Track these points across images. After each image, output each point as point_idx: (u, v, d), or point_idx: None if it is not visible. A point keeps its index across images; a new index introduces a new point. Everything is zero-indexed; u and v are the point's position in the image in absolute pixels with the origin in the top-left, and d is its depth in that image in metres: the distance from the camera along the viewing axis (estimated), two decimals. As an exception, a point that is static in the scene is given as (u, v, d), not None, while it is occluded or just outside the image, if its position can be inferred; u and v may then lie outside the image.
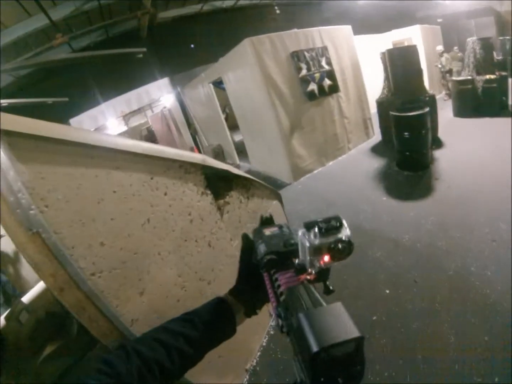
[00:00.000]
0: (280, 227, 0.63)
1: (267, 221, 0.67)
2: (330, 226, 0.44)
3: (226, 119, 7.10)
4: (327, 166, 5.15)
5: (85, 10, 5.92)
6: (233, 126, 6.80)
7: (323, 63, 4.83)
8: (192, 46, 8.88)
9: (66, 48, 6.62)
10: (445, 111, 5.95)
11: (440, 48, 7.57)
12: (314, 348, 0.33)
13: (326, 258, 0.44)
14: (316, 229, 0.44)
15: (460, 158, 4.03)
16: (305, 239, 0.45)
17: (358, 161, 4.97)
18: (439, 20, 10.79)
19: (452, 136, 4.85)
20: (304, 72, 4.68)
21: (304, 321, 0.36)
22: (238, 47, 4.60)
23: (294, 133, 4.74)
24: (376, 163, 4.61)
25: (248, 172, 6.27)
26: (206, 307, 0.65)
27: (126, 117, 11.18)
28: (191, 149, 9.54)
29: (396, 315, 2.08)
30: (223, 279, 1.74)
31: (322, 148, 5.08)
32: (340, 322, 0.36)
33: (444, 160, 4.12)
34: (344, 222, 0.45)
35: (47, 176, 0.95)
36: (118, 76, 8.14)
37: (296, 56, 4.59)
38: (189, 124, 9.16)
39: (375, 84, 5.35)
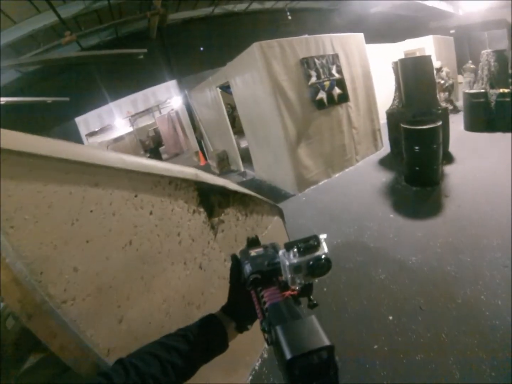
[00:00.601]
0: (265, 247, 0.66)
1: (253, 242, 0.70)
2: (309, 245, 0.48)
3: (233, 123, 7.00)
4: (333, 178, 5.01)
5: (95, 8, 5.90)
6: (239, 132, 6.70)
7: (334, 71, 4.71)
8: (201, 49, 8.83)
9: (75, 46, 6.62)
10: (455, 124, 5.77)
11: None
12: (288, 356, 0.37)
13: (306, 275, 0.48)
14: (295, 249, 0.48)
15: (471, 175, 3.86)
16: (285, 259, 0.49)
17: (366, 174, 4.83)
18: (452, 31, 10.64)
19: (463, 151, 4.68)
20: (313, 79, 4.57)
21: (280, 333, 0.40)
22: (247, 51, 4.52)
23: (300, 142, 4.63)
24: (384, 177, 4.46)
25: (252, 180, 6.23)
26: (198, 323, 0.68)
27: (133, 118, 11.21)
28: (196, 153, 9.49)
29: (398, 345, 1.94)
30: (215, 302, 1.60)
31: (328, 159, 4.95)
32: (313, 333, 0.40)
33: (454, 176, 3.96)
34: (322, 240, 0.49)
35: (14, 194, 0.84)
36: (125, 76, 8.14)
37: (306, 63, 4.48)
38: (195, 128, 9.10)
39: (385, 94, 5.22)
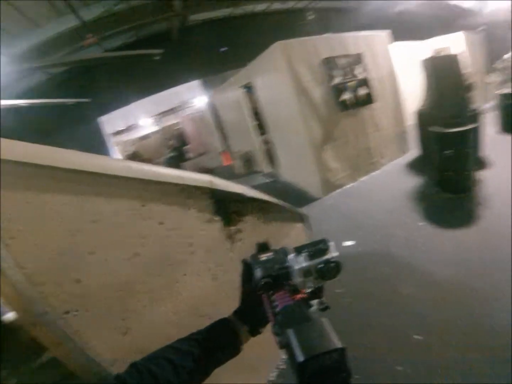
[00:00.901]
0: (275, 252, 0.66)
1: (263, 247, 0.71)
2: (318, 249, 0.50)
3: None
4: (359, 181, 4.82)
5: (115, 11, 5.99)
6: (263, 133, 6.63)
7: (358, 71, 4.52)
8: (223, 49, 8.83)
9: (97, 49, 6.80)
10: (488, 126, 5.38)
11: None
12: (300, 358, 0.37)
13: (316, 278, 0.51)
14: (305, 253, 0.50)
15: (507, 182, 3.54)
16: (295, 263, 0.51)
17: (393, 178, 4.60)
18: (481, 28, 10.01)
19: (498, 155, 4.31)
20: (337, 80, 4.41)
21: (292, 336, 0.41)
22: (268, 51, 4.43)
23: (325, 144, 4.49)
24: (412, 182, 4.21)
25: (276, 182, 6.16)
26: (210, 327, 0.69)
27: (158, 117, 11.44)
28: (221, 153, 9.53)
29: (425, 368, 1.77)
30: (229, 313, 1.54)
31: (354, 162, 4.76)
32: (324, 336, 0.40)
33: (489, 182, 3.66)
34: (330, 244, 0.51)
35: (12, 205, 0.82)
36: (148, 76, 8.27)
37: (329, 63, 4.33)
38: (219, 128, 9.14)
39: (413, 94, 4.94)
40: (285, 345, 0.43)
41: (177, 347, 0.63)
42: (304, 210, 4.32)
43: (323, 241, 0.51)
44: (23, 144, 0.84)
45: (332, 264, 0.49)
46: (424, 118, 4.25)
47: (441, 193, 3.66)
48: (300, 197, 4.94)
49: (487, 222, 2.93)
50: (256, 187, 5.94)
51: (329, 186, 4.61)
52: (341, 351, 0.38)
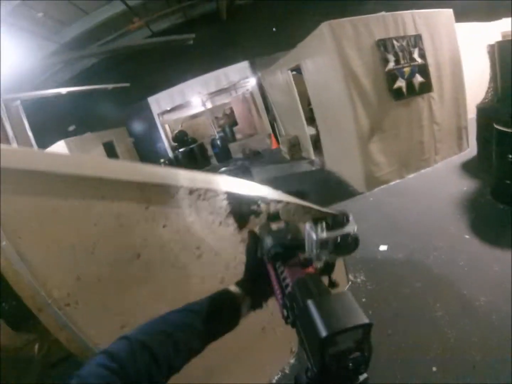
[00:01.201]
0: (287, 222, 0.64)
1: (274, 217, 0.68)
2: (337, 221, 0.47)
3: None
4: (407, 179, 4.45)
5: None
6: (311, 118, 6.44)
7: (415, 55, 4.03)
8: (274, 29, 8.50)
9: (145, 31, 6.96)
10: None
11: None
12: (323, 333, 0.34)
13: (332, 252, 0.47)
14: (324, 223, 0.47)
15: None
16: (312, 232, 0.47)
17: (444, 179, 4.15)
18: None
19: None
20: (391, 65, 3.99)
21: (313, 308, 0.37)
22: (316, 32, 4.14)
23: (373, 136, 4.17)
24: (466, 185, 3.77)
25: (321, 171, 6.00)
26: (212, 298, 0.63)
27: (205, 97, 11.65)
28: (269, 136, 9.53)
29: None
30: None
31: (403, 157, 4.39)
32: (349, 309, 0.37)
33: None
34: (351, 218, 0.48)
35: (20, 208, 0.90)
36: (196, 57, 8.34)
37: (383, 45, 3.92)
38: (268, 110, 9.08)
39: (477, 84, 4.31)
40: (299, 319, 0.41)
41: (177, 320, 0.57)
42: (343, 205, 4.21)
43: (343, 213, 0.47)
44: (39, 152, 0.91)
45: (351, 239, 0.46)
46: (487, 113, 3.69)
47: (495, 204, 3.23)
48: (342, 190, 4.75)
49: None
50: (300, 174, 5.83)
51: (373, 181, 4.34)
52: (368, 326, 0.35)
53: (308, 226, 0.48)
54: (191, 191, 1.25)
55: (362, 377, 0.37)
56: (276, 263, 0.55)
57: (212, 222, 1.33)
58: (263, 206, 1.51)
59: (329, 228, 0.46)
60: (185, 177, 1.22)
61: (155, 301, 1.19)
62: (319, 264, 0.50)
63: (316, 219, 0.47)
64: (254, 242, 0.65)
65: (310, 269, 0.51)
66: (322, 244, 0.46)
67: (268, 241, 0.57)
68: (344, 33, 3.80)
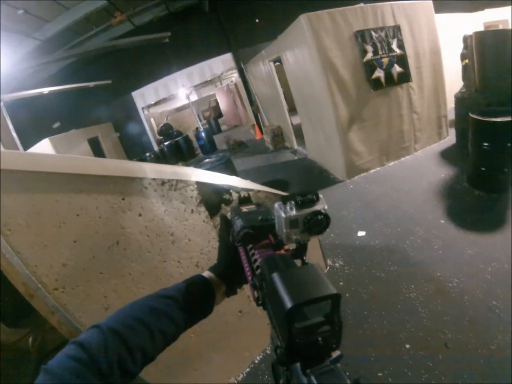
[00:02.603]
0: (258, 205, 0.65)
1: (245, 200, 0.69)
2: (307, 199, 0.46)
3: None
4: (386, 166, 4.66)
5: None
6: (293, 109, 6.62)
7: (394, 45, 4.20)
8: (256, 20, 8.59)
9: (127, 25, 6.99)
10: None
11: None
12: (288, 304, 0.33)
13: (303, 231, 0.46)
14: (293, 202, 0.45)
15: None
16: (281, 211, 0.46)
17: (423, 167, 4.36)
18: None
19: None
20: (369, 55, 4.16)
21: (278, 280, 0.37)
22: (294, 24, 4.28)
23: (353, 125, 4.35)
24: (444, 173, 3.97)
25: (304, 160, 6.19)
26: (186, 284, 0.62)
27: (192, 90, 11.70)
28: (253, 126, 9.69)
29: (407, 380, 1.77)
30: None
31: (383, 146, 4.60)
32: (316, 281, 0.37)
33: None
34: (321, 196, 0.47)
35: (8, 204, 1.04)
36: (180, 50, 8.38)
37: (361, 36, 4.08)
38: (252, 101, 9.22)
39: (456, 74, 4.49)
40: (267, 296, 0.40)
41: (148, 305, 0.55)
42: (324, 192, 4.39)
43: (313, 192, 0.46)
44: (23, 153, 1.06)
45: (321, 217, 0.45)
46: (465, 102, 3.89)
47: (471, 190, 3.42)
48: (323, 178, 4.96)
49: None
50: (283, 163, 5.98)
51: (353, 170, 4.54)
52: (336, 297, 0.35)
53: (277, 205, 0.48)
54: (163, 182, 1.42)
55: (335, 354, 0.36)
56: (246, 246, 0.56)
57: (184, 211, 1.50)
58: (234, 195, 1.69)
59: (298, 206, 0.45)
60: (156, 170, 1.39)
61: (135, 284, 1.37)
62: (290, 246, 0.50)
63: (285, 198, 0.46)
64: (225, 226, 0.64)
65: (282, 252, 0.51)
66: (292, 222, 0.45)
67: (238, 223, 0.57)
68: (322, 25, 3.93)
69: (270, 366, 1.79)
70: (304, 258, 0.50)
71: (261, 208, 0.63)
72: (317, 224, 0.45)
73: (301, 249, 0.50)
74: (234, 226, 0.59)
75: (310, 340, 0.34)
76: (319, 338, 0.35)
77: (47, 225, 1.11)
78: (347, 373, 0.35)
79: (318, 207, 0.45)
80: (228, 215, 0.66)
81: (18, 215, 1.06)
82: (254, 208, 0.63)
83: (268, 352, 2.16)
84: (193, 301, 0.59)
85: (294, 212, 0.45)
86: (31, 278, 1.10)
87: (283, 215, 0.45)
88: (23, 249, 1.08)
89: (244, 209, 0.62)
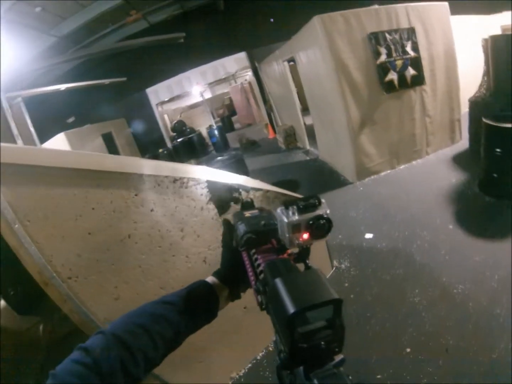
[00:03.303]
0: (261, 209, 0.66)
1: (247, 205, 0.69)
2: (309, 204, 0.46)
3: None
4: (397, 169, 4.64)
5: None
6: (306, 109, 6.66)
7: (408, 48, 4.16)
8: (271, 20, 8.60)
9: (142, 23, 7.11)
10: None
11: None
12: (291, 309, 0.33)
13: (305, 236, 0.46)
14: (295, 206, 0.46)
15: None
16: (283, 216, 0.47)
17: (434, 171, 4.32)
18: None
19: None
20: (383, 58, 4.13)
21: (280, 285, 0.37)
22: (307, 26, 4.30)
23: (364, 127, 4.35)
24: (455, 177, 3.93)
25: (315, 160, 6.21)
26: (189, 289, 0.64)
27: (206, 87, 11.82)
28: (266, 126, 9.74)
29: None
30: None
31: (395, 149, 4.57)
32: (318, 286, 0.37)
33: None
34: (323, 201, 0.47)
35: (28, 197, 1.12)
36: (194, 48, 8.47)
37: (375, 38, 4.06)
38: (265, 100, 9.26)
39: (472, 78, 4.42)
40: (270, 301, 0.41)
41: (151, 312, 0.57)
42: (334, 194, 4.41)
43: (315, 196, 0.47)
44: (44, 149, 1.12)
45: (323, 221, 0.45)
46: (479, 106, 3.83)
47: (482, 196, 3.38)
48: (333, 180, 4.96)
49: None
50: (294, 164, 6.01)
51: (364, 172, 4.54)
52: (338, 302, 0.35)
53: (279, 210, 0.48)
54: (175, 180, 1.47)
55: (338, 357, 0.37)
56: (249, 250, 0.56)
57: (194, 207, 1.56)
58: (243, 194, 1.74)
59: (300, 210, 0.46)
60: (169, 167, 1.45)
61: (144, 276, 1.43)
62: (293, 251, 0.50)
63: (287, 203, 0.47)
64: (228, 231, 0.65)
65: (285, 256, 0.52)
66: (294, 227, 0.45)
67: (241, 228, 0.57)
68: (336, 26, 3.94)
69: (271, 363, 1.84)
70: (307, 262, 0.51)
71: (264, 213, 0.63)
72: (319, 228, 0.46)
73: (303, 253, 0.51)
74: (237, 231, 0.59)
75: (313, 344, 0.35)
76: (322, 343, 0.35)
77: (64, 217, 1.18)
78: (350, 377, 0.35)
79: (320, 211, 0.46)
80: (231, 220, 0.67)
81: (38, 207, 1.13)
82: (256, 213, 0.64)
83: (271, 349, 2.19)
84: (194, 305, 0.61)
85: (296, 217, 0.45)
86: (47, 267, 1.17)
87: (285, 220, 0.46)
88: (41, 239, 1.15)
89: (247, 214, 0.63)
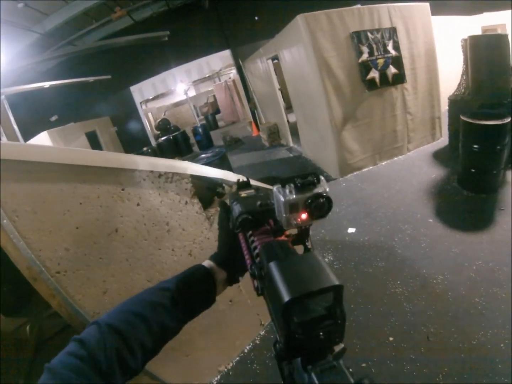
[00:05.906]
0: (257, 189, 0.63)
1: (244, 185, 0.67)
2: (307, 182, 0.43)
3: None
4: (379, 166, 4.81)
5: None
6: (290, 107, 6.79)
7: (390, 47, 4.32)
8: (256, 18, 8.68)
9: (127, 20, 7.08)
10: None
11: None
12: (286, 297, 0.31)
13: (304, 215, 0.43)
14: (292, 185, 0.43)
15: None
16: (280, 195, 0.43)
17: (415, 167, 4.49)
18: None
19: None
20: (365, 56, 4.28)
21: (275, 270, 0.35)
22: (291, 24, 4.40)
23: (347, 124, 4.49)
24: (435, 173, 4.11)
25: (298, 157, 6.32)
26: (185, 274, 0.62)
27: (190, 85, 11.81)
28: (250, 123, 9.83)
29: (389, 371, 1.86)
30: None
31: (377, 145, 4.74)
32: (316, 271, 0.34)
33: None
34: (322, 178, 0.44)
35: (16, 192, 1.15)
36: (179, 46, 8.48)
37: (357, 37, 4.20)
38: (249, 98, 9.33)
39: (453, 77, 4.62)
40: (265, 287, 0.39)
41: (146, 299, 0.56)
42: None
43: (313, 174, 0.44)
44: (31, 145, 1.16)
45: (323, 199, 0.42)
46: (458, 105, 4.02)
47: (460, 191, 3.54)
48: (318, 176, 5.11)
49: (504, 231, 2.75)
50: (277, 161, 6.12)
51: (346, 168, 4.68)
52: (338, 289, 0.33)
53: (275, 188, 0.45)
54: (160, 175, 1.54)
55: (339, 347, 0.35)
56: (246, 232, 0.54)
57: (179, 202, 1.62)
58: (226, 188, 1.81)
59: (298, 189, 0.43)
60: (153, 163, 1.50)
61: (131, 269, 1.48)
62: (291, 232, 0.48)
63: (284, 181, 0.44)
64: (225, 213, 0.63)
65: (283, 238, 0.50)
66: (292, 207, 0.42)
67: (236, 209, 0.55)
68: (319, 25, 4.05)
69: (259, 355, 1.90)
70: (307, 244, 0.48)
71: (260, 193, 0.61)
72: (319, 207, 0.42)
73: (303, 235, 0.48)
74: (232, 211, 0.57)
75: (311, 334, 0.33)
76: (321, 333, 0.33)
77: (52, 212, 1.22)
78: (351, 370, 0.33)
79: (319, 189, 0.43)
80: (227, 201, 0.64)
81: (26, 203, 1.16)
82: (253, 192, 0.61)
83: (258, 342, 2.25)
84: (192, 291, 0.59)
85: (294, 196, 0.42)
86: (36, 262, 1.20)
87: (282, 199, 0.43)
88: (29, 234, 1.18)
89: (243, 194, 0.61)
